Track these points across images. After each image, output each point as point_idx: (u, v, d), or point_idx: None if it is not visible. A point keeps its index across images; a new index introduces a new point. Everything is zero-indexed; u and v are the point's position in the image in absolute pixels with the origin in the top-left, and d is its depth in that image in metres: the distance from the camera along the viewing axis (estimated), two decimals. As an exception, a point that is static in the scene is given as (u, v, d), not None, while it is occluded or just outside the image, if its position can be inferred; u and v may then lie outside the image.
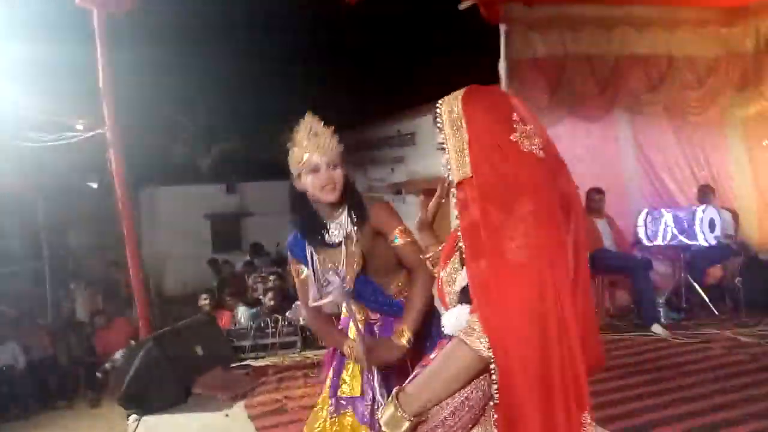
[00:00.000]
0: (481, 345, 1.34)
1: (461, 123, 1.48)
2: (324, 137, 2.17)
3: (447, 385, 1.41)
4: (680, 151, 6.77)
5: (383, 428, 1.45)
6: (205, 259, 12.65)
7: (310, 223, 2.25)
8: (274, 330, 5.49)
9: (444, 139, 1.52)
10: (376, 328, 2.30)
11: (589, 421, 1.47)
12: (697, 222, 5.80)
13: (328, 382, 2.37)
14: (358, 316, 2.28)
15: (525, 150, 1.46)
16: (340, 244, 2.23)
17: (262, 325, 5.55)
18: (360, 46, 11.22)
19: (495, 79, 6.24)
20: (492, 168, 1.43)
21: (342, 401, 2.29)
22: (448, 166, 1.51)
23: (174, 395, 4.39)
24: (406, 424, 1.42)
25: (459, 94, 1.53)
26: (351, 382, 2.30)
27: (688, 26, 6.64)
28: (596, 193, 6.14)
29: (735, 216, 6.40)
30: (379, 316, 2.31)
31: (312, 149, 2.15)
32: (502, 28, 6.13)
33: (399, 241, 2.19)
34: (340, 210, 2.22)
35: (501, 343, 1.33)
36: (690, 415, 3.63)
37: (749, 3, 6.60)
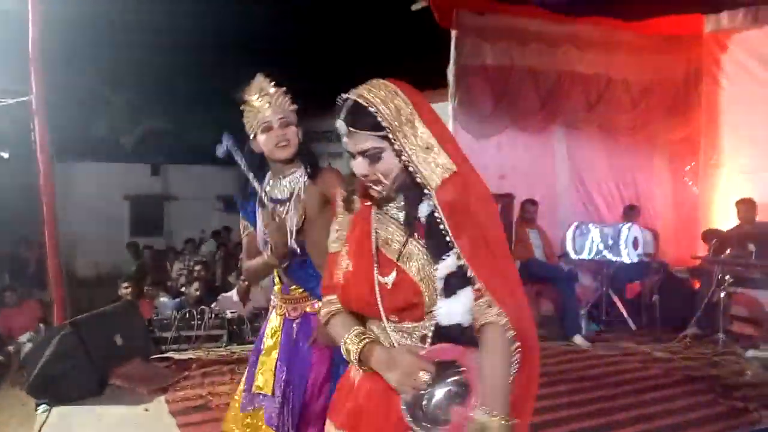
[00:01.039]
0: (505, 329, 1.38)
1: (416, 119, 1.39)
2: (275, 96, 2.21)
3: (508, 380, 1.40)
4: (610, 170, 7.07)
5: None
6: (121, 242, 12.11)
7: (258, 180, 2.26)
8: (199, 322, 5.28)
9: (397, 141, 1.37)
10: (294, 325, 2.25)
11: None
12: (622, 239, 6.05)
13: (246, 373, 2.36)
14: (278, 302, 2.32)
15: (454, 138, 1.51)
16: (286, 201, 2.24)
17: (187, 316, 5.33)
18: (303, 36, 11.04)
19: (442, 83, 6.29)
20: (463, 160, 1.43)
21: (257, 396, 2.26)
22: (411, 169, 1.39)
23: (89, 385, 4.16)
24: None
25: (394, 89, 1.40)
26: (265, 377, 2.26)
27: (626, 50, 6.93)
28: (530, 204, 6.31)
29: (655, 235, 6.73)
30: (299, 313, 2.25)
31: (264, 108, 2.20)
32: (453, 33, 6.19)
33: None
34: (293, 168, 2.25)
35: (523, 332, 1.41)
36: (609, 426, 3.76)
37: (682, 33, 6.96)
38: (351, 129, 1.40)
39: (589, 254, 6.31)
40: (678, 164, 7.23)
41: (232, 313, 5.59)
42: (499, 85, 6.43)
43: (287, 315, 2.27)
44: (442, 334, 1.41)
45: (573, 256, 6.42)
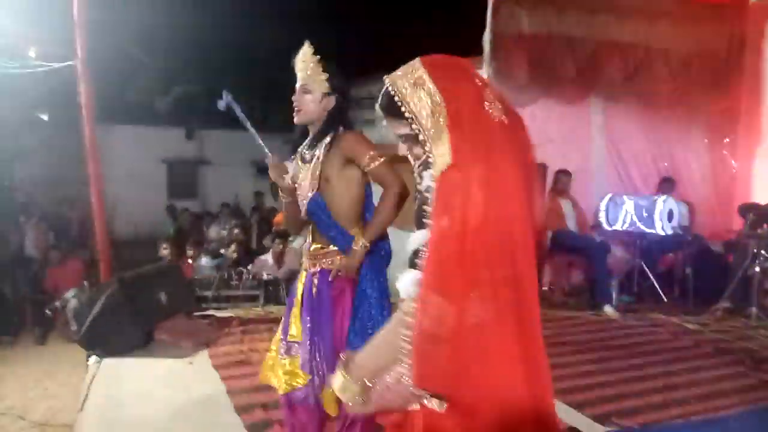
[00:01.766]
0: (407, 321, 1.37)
1: (440, 107, 1.37)
2: (305, 63, 2.32)
3: (390, 357, 1.41)
4: (646, 142, 6.98)
5: (336, 392, 1.50)
6: (158, 204, 12.39)
7: (297, 136, 2.48)
8: (237, 282, 5.47)
9: (417, 129, 1.39)
10: (315, 279, 2.39)
11: None
12: (657, 211, 6.02)
13: (281, 323, 2.53)
14: (310, 248, 2.46)
15: (495, 120, 1.40)
16: (308, 161, 2.40)
17: (226, 276, 5.52)
18: (338, 4, 10.98)
19: (478, 51, 6.25)
20: (472, 149, 1.36)
21: (293, 345, 2.42)
22: (427, 157, 1.40)
23: (136, 339, 4.36)
24: (355, 388, 1.46)
25: (421, 76, 1.39)
26: (296, 327, 2.42)
27: (667, 20, 6.76)
28: (564, 175, 6.30)
29: (691, 208, 6.66)
30: (317, 268, 2.39)
31: (297, 73, 2.35)
32: (490, 1, 6.11)
33: (370, 165, 2.29)
34: (321, 134, 2.38)
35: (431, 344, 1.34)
36: (636, 395, 3.82)
37: (726, 2, 6.77)
38: (385, 115, 1.46)
39: (622, 225, 6.30)
40: (717, 137, 7.10)
41: (267, 275, 5.76)
42: (535, 54, 6.34)
43: (308, 270, 2.43)
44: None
45: (606, 227, 6.42)
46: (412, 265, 1.46)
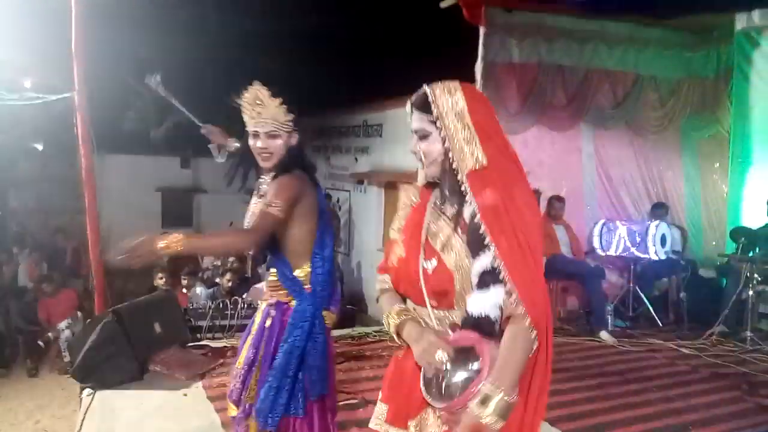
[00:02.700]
0: (528, 327, 1.49)
1: (465, 114, 1.55)
2: (267, 108, 2.25)
3: (522, 367, 1.51)
4: (637, 168, 7.06)
5: (495, 420, 1.45)
6: (153, 233, 12.34)
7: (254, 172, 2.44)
8: (233, 312, 5.45)
9: (443, 129, 1.57)
10: (272, 311, 2.35)
11: None
12: (650, 236, 6.06)
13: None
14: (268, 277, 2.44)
15: (507, 144, 1.63)
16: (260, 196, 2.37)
17: (221, 306, 5.50)
18: (331, 31, 11.11)
19: (470, 79, 6.34)
20: (502, 157, 1.58)
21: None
22: (450, 155, 1.57)
23: (131, 371, 4.32)
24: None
25: (456, 86, 1.59)
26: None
27: (656, 47, 6.91)
28: (557, 201, 6.36)
29: (683, 233, 6.72)
30: (275, 300, 2.36)
31: (254, 117, 2.26)
32: (482, 30, 6.22)
33: (265, 207, 2.20)
34: (272, 171, 2.33)
35: (540, 323, 1.50)
36: (635, 421, 3.82)
37: (713, 30, 6.91)
38: (412, 109, 1.65)
39: (616, 251, 6.33)
40: (707, 162, 7.19)
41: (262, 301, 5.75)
42: (526, 82, 6.46)
43: (267, 300, 2.42)
44: (472, 324, 1.53)
45: (600, 252, 6.45)
46: (482, 285, 1.53)
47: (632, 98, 6.84)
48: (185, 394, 4.15)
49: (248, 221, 2.34)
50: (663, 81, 6.95)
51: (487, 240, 1.50)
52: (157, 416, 3.81)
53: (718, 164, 7.13)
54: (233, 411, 2.39)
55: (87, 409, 3.91)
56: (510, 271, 1.48)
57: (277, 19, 11.61)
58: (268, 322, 2.34)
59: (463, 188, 1.56)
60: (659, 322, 6.17)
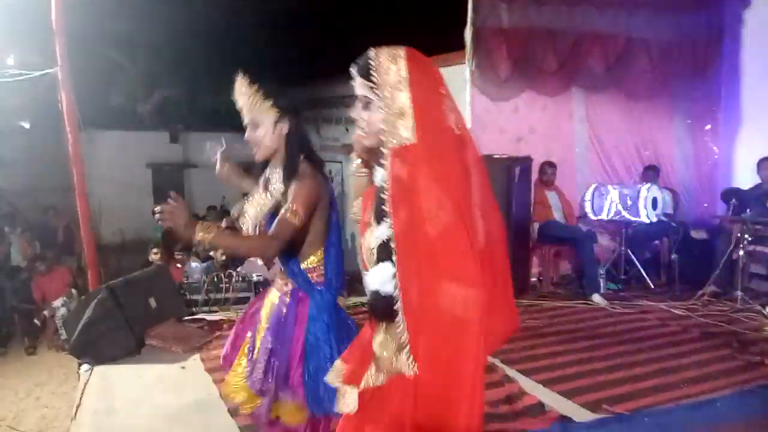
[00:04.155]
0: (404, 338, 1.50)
1: (404, 86, 1.48)
2: (246, 96, 2.19)
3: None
4: (629, 131, 7.04)
5: (375, 347, 1.54)
6: (144, 209, 12.28)
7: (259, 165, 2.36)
8: (227, 285, 5.46)
9: (379, 98, 1.50)
10: (286, 299, 2.32)
11: None
12: (641, 200, 6.08)
13: (232, 333, 2.53)
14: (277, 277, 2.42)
15: (449, 123, 1.53)
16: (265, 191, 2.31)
17: (216, 279, 5.51)
18: (318, 1, 10.96)
19: (459, 45, 6.28)
20: (432, 136, 1.48)
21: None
22: (381, 126, 1.51)
23: (127, 346, 4.35)
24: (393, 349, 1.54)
25: (401, 53, 1.51)
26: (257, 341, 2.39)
27: (647, 9, 6.82)
28: (548, 166, 6.36)
29: (675, 196, 6.74)
30: (289, 288, 2.32)
31: (241, 108, 2.22)
32: (470, -6, 6.13)
33: (284, 213, 2.13)
34: (277, 167, 2.26)
35: (417, 322, 1.48)
36: (627, 380, 3.89)
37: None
38: (353, 73, 1.58)
39: (608, 215, 6.36)
40: (698, 124, 7.17)
41: (257, 276, 5.76)
42: (516, 47, 6.38)
43: (280, 289, 2.37)
44: (373, 299, 1.58)
45: (592, 217, 6.47)
46: (380, 259, 1.53)
47: (624, 61, 6.78)
48: (183, 367, 4.19)
49: (254, 221, 2.27)
50: (654, 43, 6.88)
51: (386, 208, 1.48)
52: (155, 390, 3.85)
53: (709, 126, 7.13)
54: (243, 396, 2.37)
55: (86, 384, 3.94)
56: (398, 249, 1.46)
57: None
58: (284, 310, 2.31)
59: (384, 162, 1.52)
60: (651, 284, 6.23)
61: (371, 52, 1.53)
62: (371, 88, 1.52)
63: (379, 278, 1.53)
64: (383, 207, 1.50)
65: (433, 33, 7.13)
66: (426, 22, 7.62)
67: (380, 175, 1.56)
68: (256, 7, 11.70)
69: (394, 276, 1.48)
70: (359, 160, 1.81)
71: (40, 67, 5.47)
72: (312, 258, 2.29)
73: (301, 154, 2.24)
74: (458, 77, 6.34)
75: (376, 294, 1.57)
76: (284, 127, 2.21)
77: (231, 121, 2.37)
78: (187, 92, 15.15)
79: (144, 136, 14.02)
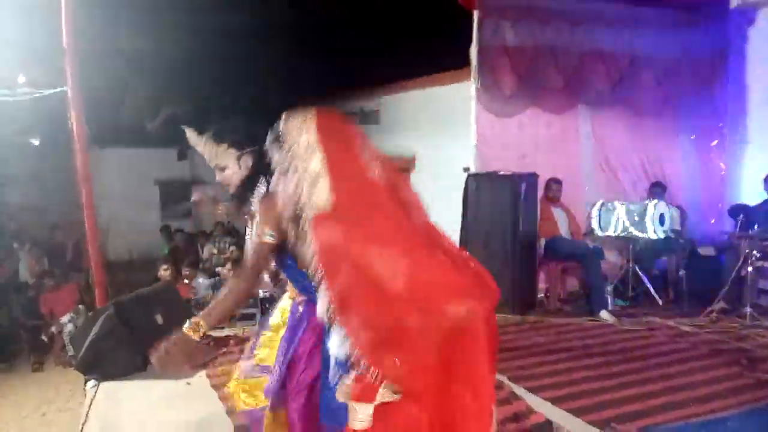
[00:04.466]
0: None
1: (315, 151, 1.50)
2: (200, 147, 2.27)
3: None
4: (635, 148, 7.05)
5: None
6: (152, 226, 12.36)
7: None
8: (234, 301, 5.46)
9: (293, 164, 1.53)
10: (300, 307, 2.31)
11: None
12: (648, 216, 6.07)
13: (250, 343, 2.53)
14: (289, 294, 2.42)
15: (371, 175, 1.54)
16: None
17: (222, 295, 5.51)
18: (326, 19, 11.05)
19: (465, 62, 6.34)
20: (353, 194, 1.49)
21: (260, 367, 2.40)
22: (297, 192, 1.54)
23: (134, 362, 4.34)
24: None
25: (310, 117, 1.53)
26: (269, 352, 2.40)
27: (651, 27, 6.88)
28: (554, 183, 6.37)
29: (682, 212, 6.73)
30: (303, 297, 2.32)
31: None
32: (476, 14, 6.20)
33: (253, 237, 2.15)
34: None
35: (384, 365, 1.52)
36: (635, 398, 3.84)
37: (708, 8, 6.89)
38: (268, 142, 1.64)
39: (614, 231, 6.34)
40: (704, 140, 7.18)
41: (264, 292, 5.76)
42: (521, 65, 6.43)
43: (294, 297, 2.37)
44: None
45: (598, 233, 6.46)
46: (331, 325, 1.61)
47: (629, 79, 6.82)
48: (189, 383, 4.18)
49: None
50: (659, 61, 6.92)
51: (322, 282, 1.50)
52: (161, 406, 3.84)
53: (715, 142, 7.13)
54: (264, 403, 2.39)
55: (92, 401, 3.94)
56: (342, 312, 1.48)
57: (270, 10, 11.54)
58: (298, 317, 2.32)
59: (307, 230, 1.53)
60: (659, 300, 6.20)
61: (282, 120, 1.55)
62: (286, 155, 1.55)
63: (334, 344, 1.61)
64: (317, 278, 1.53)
65: (438, 51, 7.20)
66: (431, 41, 7.69)
67: (309, 252, 1.57)
68: (261, 28, 11.82)
69: (343, 336, 1.51)
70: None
71: (50, 85, 5.56)
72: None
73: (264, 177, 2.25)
74: (464, 94, 6.39)
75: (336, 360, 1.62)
76: (248, 159, 2.23)
77: (237, 140, 2.40)
78: (195, 109, 15.28)
79: (152, 154, 14.13)
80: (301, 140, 1.49)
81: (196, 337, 2.04)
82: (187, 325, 2.05)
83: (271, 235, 2.06)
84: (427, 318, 1.43)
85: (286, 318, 2.39)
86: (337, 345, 1.54)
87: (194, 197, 3.17)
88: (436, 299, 1.43)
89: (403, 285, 1.42)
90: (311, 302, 2.27)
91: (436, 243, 1.55)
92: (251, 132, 2.24)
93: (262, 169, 2.20)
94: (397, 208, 1.52)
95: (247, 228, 2.34)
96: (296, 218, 1.59)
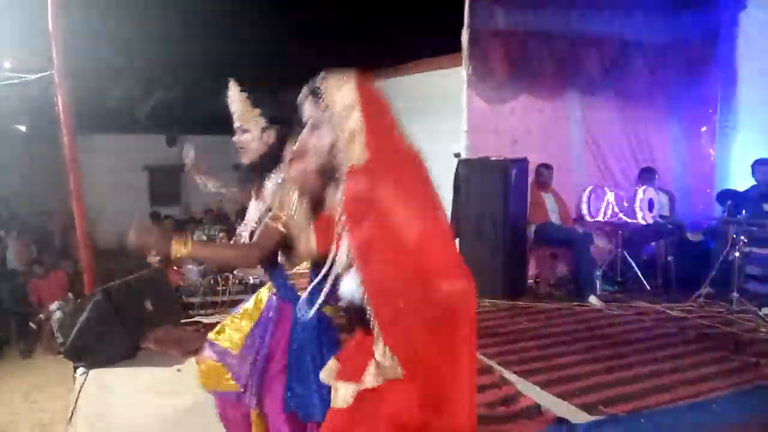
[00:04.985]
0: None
1: (353, 108, 1.53)
2: (237, 103, 2.31)
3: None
4: (625, 134, 7.07)
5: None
6: (141, 212, 12.29)
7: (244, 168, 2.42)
8: (224, 288, 5.45)
9: (329, 121, 1.55)
10: (275, 298, 2.32)
11: None
12: (637, 202, 6.10)
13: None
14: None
15: (400, 142, 1.59)
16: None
17: (212, 282, 5.50)
18: (317, 3, 10.94)
19: (456, 48, 6.30)
20: (385, 153, 1.53)
21: (224, 351, 2.40)
22: (328, 150, 1.57)
23: (123, 349, 4.33)
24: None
25: (349, 78, 1.56)
26: (235, 336, 2.39)
27: (642, 12, 6.87)
28: (545, 169, 6.37)
29: (671, 198, 6.76)
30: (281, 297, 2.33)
31: (232, 114, 2.33)
32: (467, -2, 6.16)
33: (267, 219, 2.16)
34: (270, 175, 2.32)
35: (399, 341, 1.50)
36: (624, 382, 3.89)
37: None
38: (302, 97, 1.64)
39: (604, 217, 6.38)
40: (694, 126, 7.22)
41: (254, 278, 5.75)
42: (513, 50, 6.41)
43: (272, 290, 2.37)
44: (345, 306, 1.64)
45: (588, 218, 6.49)
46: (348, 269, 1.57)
47: (619, 64, 6.81)
48: (179, 370, 4.17)
49: (248, 227, 2.34)
50: (650, 46, 6.92)
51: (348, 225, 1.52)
52: (151, 393, 3.83)
53: (705, 128, 7.15)
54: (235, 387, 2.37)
55: (81, 388, 3.92)
56: (360, 267, 1.49)
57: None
58: (272, 314, 2.32)
59: (341, 184, 1.56)
60: (647, 285, 6.24)
61: (320, 77, 1.58)
62: (323, 111, 1.57)
63: (353, 287, 1.57)
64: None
65: (430, 36, 7.16)
66: (423, 26, 7.64)
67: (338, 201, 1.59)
68: (254, 13, 11.70)
69: (360, 285, 1.51)
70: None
71: (36, 70, 5.48)
72: (294, 265, 2.29)
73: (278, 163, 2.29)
74: (455, 80, 6.36)
75: (351, 304, 1.59)
76: (271, 135, 2.31)
77: (227, 124, 2.41)
78: (184, 95, 15.15)
79: (141, 139, 14.02)
80: (338, 97, 1.54)
81: (178, 249, 2.00)
82: (178, 236, 2.03)
83: (285, 224, 2.10)
84: (426, 289, 1.47)
85: (260, 308, 2.38)
86: (351, 290, 1.57)
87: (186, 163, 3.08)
88: (435, 268, 1.48)
89: (414, 246, 1.47)
90: (287, 302, 2.29)
91: (443, 214, 1.62)
92: (286, 112, 2.30)
93: (278, 150, 2.29)
94: (420, 172, 1.59)
95: (252, 202, 2.38)
96: (325, 171, 1.64)
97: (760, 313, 5.22)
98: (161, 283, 5.20)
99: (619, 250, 6.35)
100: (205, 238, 8.00)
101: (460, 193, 6.06)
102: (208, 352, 2.46)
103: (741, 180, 6.52)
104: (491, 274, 5.68)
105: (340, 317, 2.18)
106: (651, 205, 6.12)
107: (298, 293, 2.26)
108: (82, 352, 4.27)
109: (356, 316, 1.61)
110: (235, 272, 5.94)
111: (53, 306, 7.12)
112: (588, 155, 6.98)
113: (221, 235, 7.14)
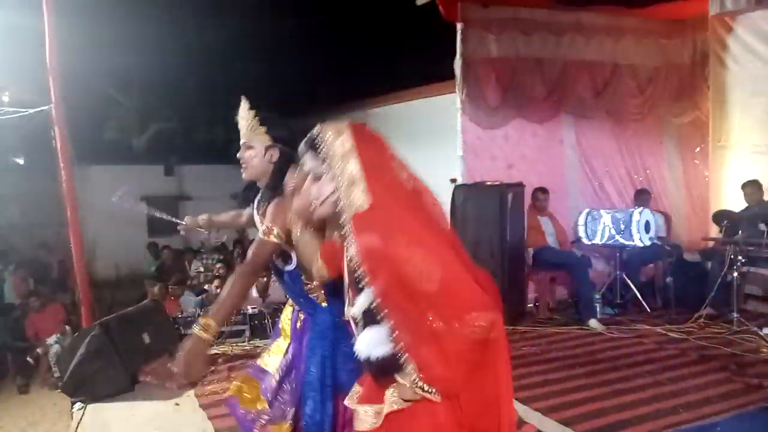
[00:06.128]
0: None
1: (352, 154, 1.58)
2: (244, 120, 2.36)
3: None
4: (619, 156, 7.12)
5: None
6: (138, 243, 12.27)
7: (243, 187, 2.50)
8: (222, 318, 5.42)
9: (331, 170, 1.60)
10: (300, 315, 2.37)
11: None
12: (634, 223, 6.11)
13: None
14: None
15: (401, 180, 1.64)
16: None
17: (210, 312, 5.48)
18: (312, 34, 11.10)
19: (450, 75, 6.38)
20: (386, 196, 1.57)
21: (257, 369, 2.46)
22: (335, 197, 1.60)
23: (121, 383, 4.31)
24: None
25: (344, 127, 1.63)
26: (274, 355, 2.44)
27: (632, 36, 6.97)
28: (541, 193, 6.40)
29: (667, 219, 6.78)
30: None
31: (240, 129, 2.38)
32: (459, 26, 6.25)
33: (260, 235, 2.21)
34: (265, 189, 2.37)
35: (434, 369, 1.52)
36: (626, 406, 3.85)
37: (687, 17, 6.99)
38: (302, 150, 1.70)
39: (601, 239, 6.38)
40: (687, 147, 7.26)
41: (252, 308, 5.73)
42: (505, 76, 6.48)
43: (294, 306, 2.42)
44: (370, 366, 1.63)
45: (585, 241, 6.49)
46: (368, 324, 1.58)
47: (611, 87, 6.88)
48: (177, 404, 4.14)
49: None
50: (641, 69, 7.00)
51: (364, 281, 1.54)
52: (149, 427, 3.80)
53: (698, 149, 7.20)
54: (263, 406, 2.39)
55: (79, 423, 3.89)
56: (390, 313, 1.51)
57: (255, 24, 11.58)
58: (299, 326, 2.38)
59: (345, 230, 1.59)
60: (647, 307, 6.22)
61: (317, 129, 1.65)
62: (322, 161, 1.62)
63: (368, 344, 1.58)
64: (358, 277, 1.56)
65: (424, 64, 7.24)
66: (418, 54, 7.74)
67: (351, 251, 1.61)
68: (247, 43, 11.84)
69: (390, 334, 1.52)
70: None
71: (34, 104, 5.53)
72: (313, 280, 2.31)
73: (279, 179, 2.33)
74: (449, 106, 6.42)
75: (367, 360, 1.60)
76: (274, 154, 2.33)
77: (224, 154, 2.46)
78: (181, 125, 15.24)
79: (138, 170, 14.05)
80: (336, 146, 1.59)
81: (208, 337, 2.02)
82: (196, 328, 2.04)
83: (278, 235, 2.16)
84: (456, 324, 1.50)
85: (289, 328, 2.45)
86: (370, 346, 1.56)
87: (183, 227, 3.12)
88: (461, 306, 1.51)
89: (436, 288, 1.50)
90: (307, 314, 2.34)
91: (457, 248, 1.64)
92: (291, 135, 2.35)
93: (281, 170, 2.31)
94: (425, 211, 1.65)
95: (257, 219, 2.41)
96: (329, 221, 1.73)
97: (761, 333, 5.20)
98: (159, 315, 5.19)
99: (618, 272, 6.34)
100: (202, 268, 8.00)
101: (457, 218, 6.06)
102: (253, 373, 2.51)
103: (736, 200, 6.54)
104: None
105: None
106: (647, 227, 6.13)
107: (320, 303, 2.31)
108: (79, 386, 4.25)
109: (376, 371, 1.62)
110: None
111: (50, 340, 7.08)
112: (583, 178, 7.01)
113: (219, 265, 7.13)
